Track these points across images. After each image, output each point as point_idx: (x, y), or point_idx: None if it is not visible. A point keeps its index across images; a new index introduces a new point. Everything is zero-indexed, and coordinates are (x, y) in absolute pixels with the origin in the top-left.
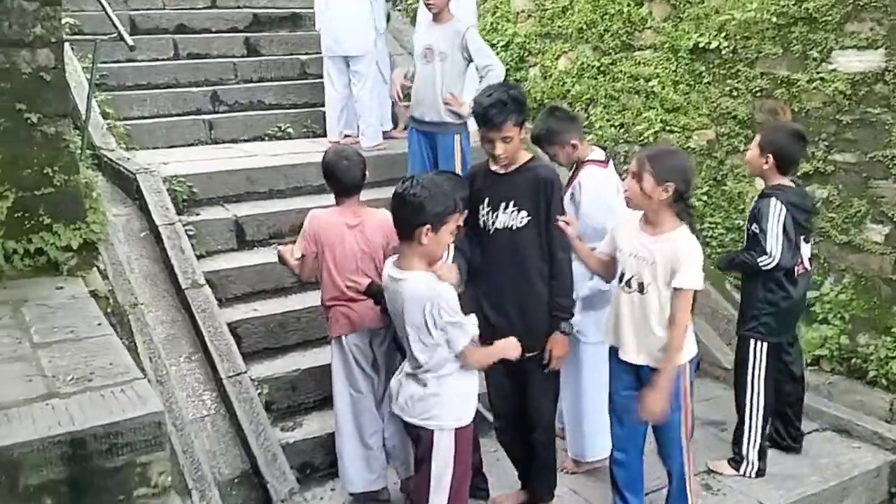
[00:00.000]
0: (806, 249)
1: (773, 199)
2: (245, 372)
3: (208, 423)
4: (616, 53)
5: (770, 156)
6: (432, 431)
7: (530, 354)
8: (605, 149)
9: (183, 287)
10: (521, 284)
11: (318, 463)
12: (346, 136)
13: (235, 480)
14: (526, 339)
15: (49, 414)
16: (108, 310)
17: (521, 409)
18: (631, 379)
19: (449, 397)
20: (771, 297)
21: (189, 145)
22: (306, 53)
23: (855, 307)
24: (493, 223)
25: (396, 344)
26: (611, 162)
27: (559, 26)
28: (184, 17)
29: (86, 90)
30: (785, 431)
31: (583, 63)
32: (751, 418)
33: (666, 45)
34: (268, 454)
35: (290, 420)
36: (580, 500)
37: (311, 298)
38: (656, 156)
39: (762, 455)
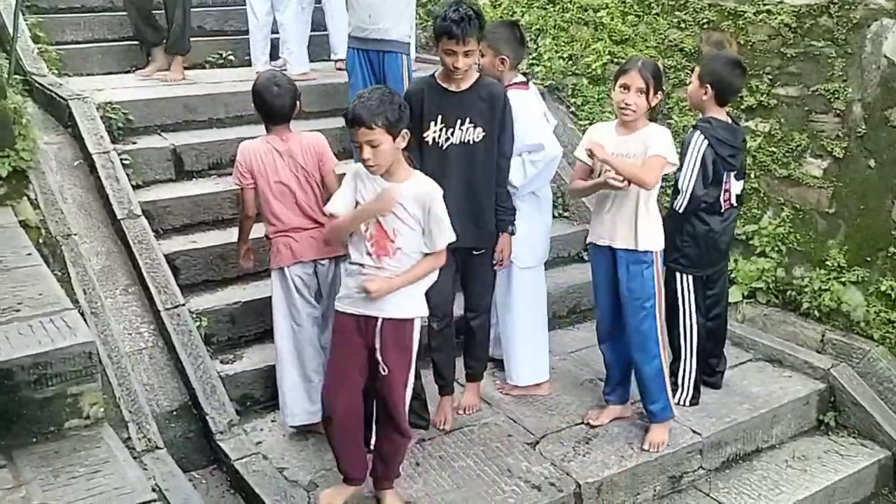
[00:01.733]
0: (736, 186)
1: (696, 133)
2: (183, 304)
3: (146, 356)
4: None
5: (709, 86)
6: (412, 321)
7: (478, 252)
8: (525, 75)
9: (118, 217)
10: (475, 193)
11: (259, 395)
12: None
13: (174, 413)
14: (477, 240)
15: None
16: (40, 240)
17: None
18: (608, 269)
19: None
20: (690, 229)
21: (125, 72)
22: None
23: (792, 240)
24: (448, 139)
25: None
26: (531, 84)
27: None
28: None
29: (12, 8)
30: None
31: None
32: (683, 348)
33: None
34: (207, 386)
35: (230, 353)
36: (518, 428)
37: (253, 231)
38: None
39: (697, 385)
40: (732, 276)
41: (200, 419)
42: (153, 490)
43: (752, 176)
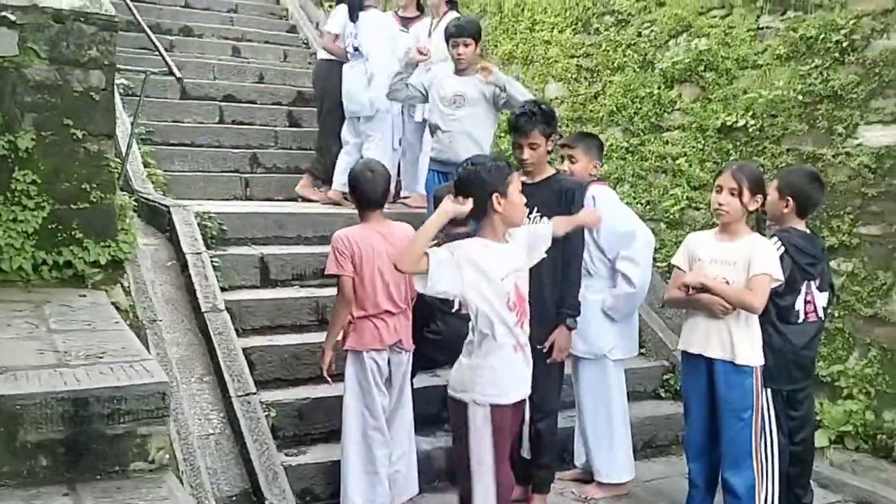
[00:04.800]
0: (821, 298)
1: (773, 240)
2: (255, 393)
3: (212, 442)
4: (645, 134)
5: (790, 199)
6: (466, 405)
7: (539, 347)
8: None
9: (203, 310)
10: (538, 283)
11: (320, 492)
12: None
13: (234, 498)
14: (537, 333)
15: (56, 377)
16: (127, 322)
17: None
18: (703, 379)
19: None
20: (767, 338)
21: (225, 199)
22: None
23: (881, 382)
24: None
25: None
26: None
27: (591, 110)
28: (231, 88)
29: (128, 133)
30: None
31: (612, 144)
32: (764, 468)
33: (694, 125)
34: (269, 473)
35: (295, 448)
36: None
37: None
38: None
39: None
40: (819, 419)
41: None
42: None
43: (836, 315)
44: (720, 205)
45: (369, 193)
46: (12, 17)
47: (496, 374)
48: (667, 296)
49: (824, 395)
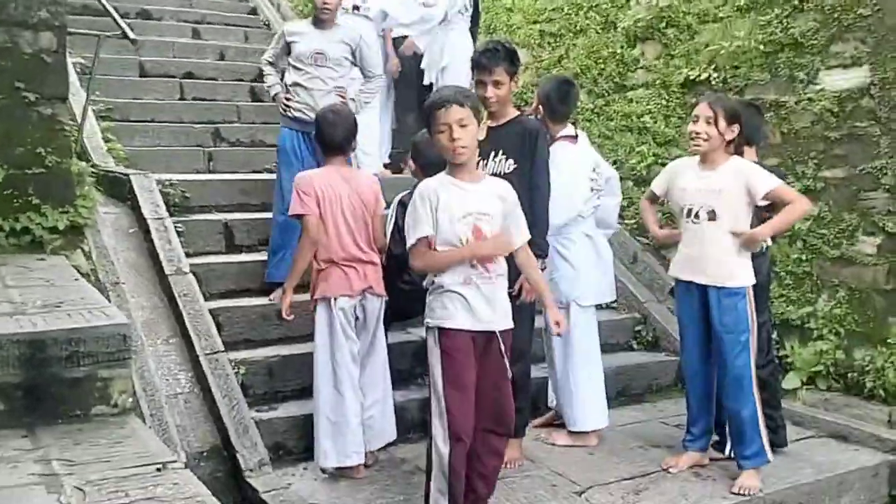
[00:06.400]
0: None
1: None
2: (223, 351)
3: (181, 401)
4: (609, 95)
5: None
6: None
7: (508, 290)
8: (574, 125)
9: (167, 273)
10: None
11: (292, 445)
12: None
13: (204, 453)
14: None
15: (11, 322)
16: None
17: None
18: (696, 304)
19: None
20: None
21: (188, 173)
22: None
23: (850, 321)
24: (482, 170)
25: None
26: (581, 137)
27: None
28: (192, 65)
29: (83, 101)
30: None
31: (578, 107)
32: None
33: (658, 82)
34: (239, 426)
35: (266, 405)
36: (564, 480)
37: (297, 296)
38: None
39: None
40: (790, 361)
41: (231, 459)
42: None
43: (804, 259)
44: (696, 134)
45: (332, 136)
46: None
47: (444, 299)
48: (654, 232)
49: (795, 337)
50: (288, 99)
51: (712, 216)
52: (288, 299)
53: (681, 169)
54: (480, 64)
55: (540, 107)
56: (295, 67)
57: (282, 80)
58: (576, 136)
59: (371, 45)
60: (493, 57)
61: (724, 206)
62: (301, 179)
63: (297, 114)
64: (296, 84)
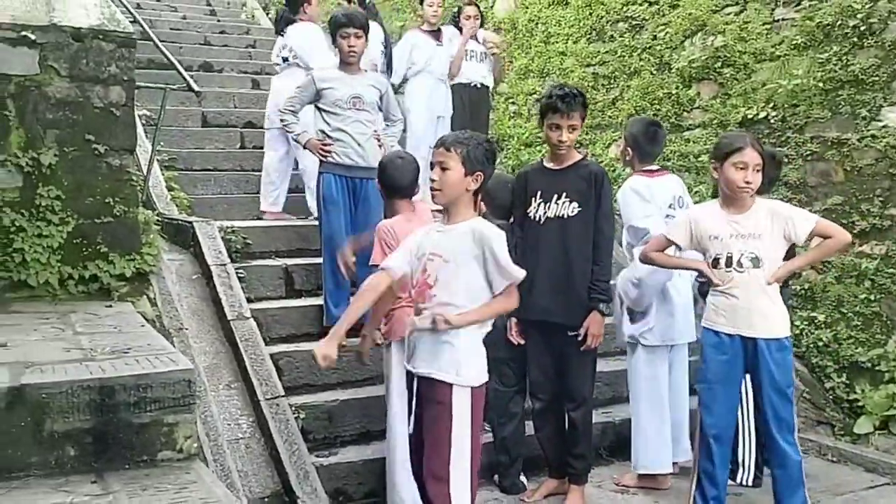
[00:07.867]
0: None
1: None
2: (283, 396)
3: (242, 445)
4: (666, 135)
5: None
6: (451, 386)
7: (572, 333)
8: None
9: (229, 318)
10: (567, 267)
11: (352, 491)
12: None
13: (265, 499)
14: (566, 315)
15: (82, 369)
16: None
17: (560, 388)
18: (738, 359)
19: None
20: None
21: (249, 219)
22: None
23: None
24: (545, 213)
25: None
26: (668, 173)
27: (609, 116)
28: (252, 115)
29: (149, 152)
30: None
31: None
32: (741, 424)
33: (715, 122)
34: (300, 472)
35: (326, 450)
36: None
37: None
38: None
39: (759, 465)
40: (861, 405)
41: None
42: None
43: (872, 299)
44: (747, 183)
45: (401, 180)
46: (32, 37)
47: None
48: (650, 254)
49: (865, 380)
50: (327, 145)
51: (756, 263)
52: (367, 344)
53: (702, 216)
54: (557, 108)
55: (628, 149)
56: (331, 113)
57: None
58: (653, 171)
59: (392, 92)
60: (572, 103)
61: (765, 250)
62: (382, 229)
63: (342, 159)
64: (338, 129)
